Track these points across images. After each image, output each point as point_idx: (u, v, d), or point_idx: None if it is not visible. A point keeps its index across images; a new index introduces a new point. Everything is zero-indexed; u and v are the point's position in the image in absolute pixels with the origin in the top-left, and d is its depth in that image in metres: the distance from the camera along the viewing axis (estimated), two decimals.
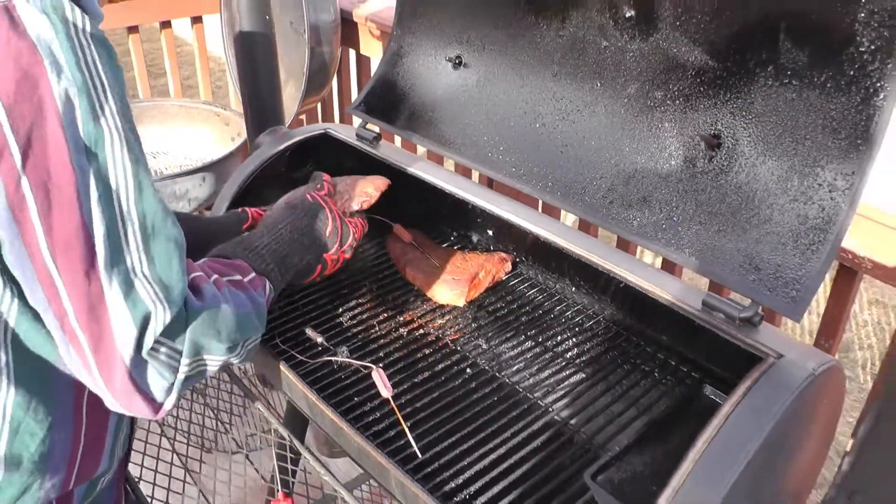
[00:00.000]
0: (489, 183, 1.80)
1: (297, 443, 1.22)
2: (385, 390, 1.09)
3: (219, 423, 2.08)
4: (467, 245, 1.49)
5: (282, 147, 1.36)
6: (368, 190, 1.24)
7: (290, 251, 1.06)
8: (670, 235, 0.99)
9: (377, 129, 1.40)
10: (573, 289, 1.32)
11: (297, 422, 1.73)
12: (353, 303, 1.32)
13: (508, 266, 1.37)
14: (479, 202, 1.24)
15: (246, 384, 1.82)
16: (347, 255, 1.18)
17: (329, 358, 1.16)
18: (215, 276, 0.87)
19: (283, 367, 1.16)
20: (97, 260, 0.71)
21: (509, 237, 1.41)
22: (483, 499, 0.97)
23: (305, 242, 1.10)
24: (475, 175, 1.89)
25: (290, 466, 1.45)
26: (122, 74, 0.76)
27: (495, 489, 0.99)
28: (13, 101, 0.67)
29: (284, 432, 1.24)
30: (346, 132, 1.42)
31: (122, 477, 1.11)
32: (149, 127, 2.40)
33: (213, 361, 0.82)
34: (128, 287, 0.72)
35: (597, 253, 1.09)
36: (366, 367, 1.13)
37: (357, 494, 2.00)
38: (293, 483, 1.58)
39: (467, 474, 1.01)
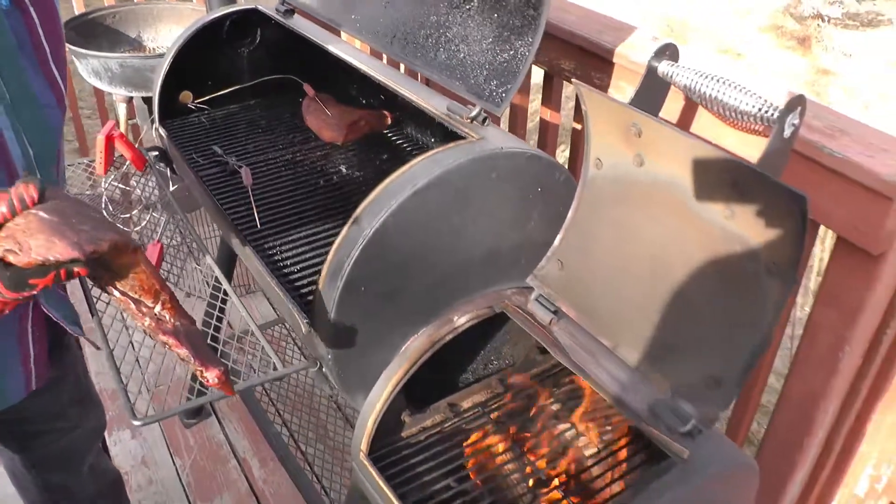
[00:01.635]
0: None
1: (222, 278, 1.45)
2: (246, 181, 1.44)
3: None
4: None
5: (215, 16, 1.71)
6: (32, 243, 0.75)
7: None
8: (437, 63, 1.29)
9: (291, 6, 1.73)
10: (419, 135, 1.64)
11: (225, 263, 2.07)
12: (261, 139, 1.69)
13: (388, 120, 1.69)
14: (361, 67, 1.54)
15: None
16: None
17: (220, 160, 1.53)
18: None
19: (184, 162, 1.53)
20: None
21: (391, 100, 1.73)
22: (289, 253, 1.33)
23: None
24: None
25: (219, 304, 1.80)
26: None
27: (300, 249, 1.35)
28: None
29: (215, 267, 1.53)
30: (271, 10, 1.76)
31: None
32: (142, 27, 2.63)
33: None
34: None
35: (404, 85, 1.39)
36: (238, 165, 1.49)
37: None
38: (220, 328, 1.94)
39: (286, 239, 1.36)
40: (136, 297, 0.87)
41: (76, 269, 0.78)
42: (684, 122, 1.39)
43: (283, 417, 2.09)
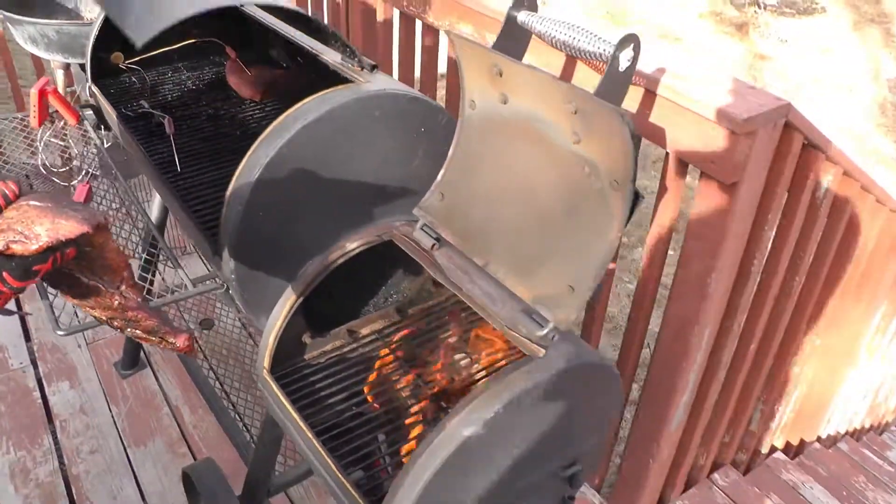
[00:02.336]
0: None
1: (157, 235, 1.58)
2: (169, 130, 1.55)
3: None
4: None
5: None
6: (37, 230, 0.78)
7: None
8: None
9: None
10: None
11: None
12: (186, 96, 1.79)
13: (303, 80, 1.80)
14: (278, 29, 1.65)
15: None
16: None
17: (147, 113, 1.63)
18: None
19: (114, 115, 1.63)
20: None
21: (308, 62, 1.83)
22: (205, 192, 1.44)
23: None
24: None
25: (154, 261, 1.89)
26: None
27: (215, 189, 1.45)
28: None
29: (152, 227, 1.64)
30: None
31: None
32: None
33: None
34: None
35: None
36: (162, 116, 1.59)
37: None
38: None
39: (204, 181, 1.47)
40: (104, 278, 0.89)
41: (67, 251, 0.80)
42: (566, 76, 1.53)
43: (214, 369, 2.20)
